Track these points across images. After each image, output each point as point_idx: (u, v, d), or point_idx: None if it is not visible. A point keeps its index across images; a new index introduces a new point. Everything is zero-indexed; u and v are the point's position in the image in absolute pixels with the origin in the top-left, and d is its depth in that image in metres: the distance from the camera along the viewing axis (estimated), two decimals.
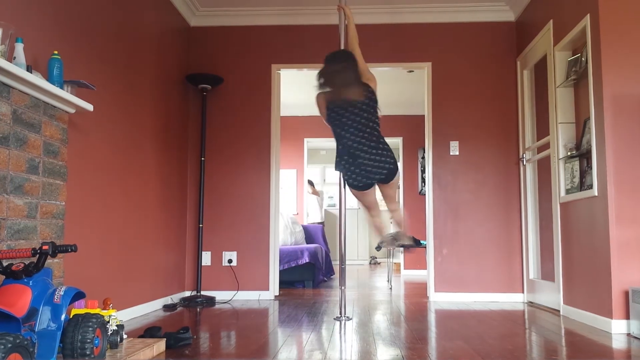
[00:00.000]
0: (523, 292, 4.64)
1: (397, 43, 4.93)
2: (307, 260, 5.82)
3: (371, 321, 3.52)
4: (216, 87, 4.84)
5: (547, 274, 4.31)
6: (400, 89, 7.13)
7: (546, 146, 4.22)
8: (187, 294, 4.72)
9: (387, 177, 3.12)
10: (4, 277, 2.01)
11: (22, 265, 1.99)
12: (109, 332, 2.33)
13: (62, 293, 2.04)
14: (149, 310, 3.95)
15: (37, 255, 2.02)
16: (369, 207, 3.39)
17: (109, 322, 2.40)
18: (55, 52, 2.53)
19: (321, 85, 3.25)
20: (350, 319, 3.60)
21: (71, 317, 2.09)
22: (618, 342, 2.84)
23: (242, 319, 3.67)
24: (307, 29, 4.97)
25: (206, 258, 4.81)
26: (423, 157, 7.97)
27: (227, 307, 4.29)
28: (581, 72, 3.65)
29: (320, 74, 3.26)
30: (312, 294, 5.17)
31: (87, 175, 3.08)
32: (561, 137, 3.88)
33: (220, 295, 4.73)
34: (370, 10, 4.86)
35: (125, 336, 2.53)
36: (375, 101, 3.21)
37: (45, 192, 2.48)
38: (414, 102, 7.59)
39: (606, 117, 3.25)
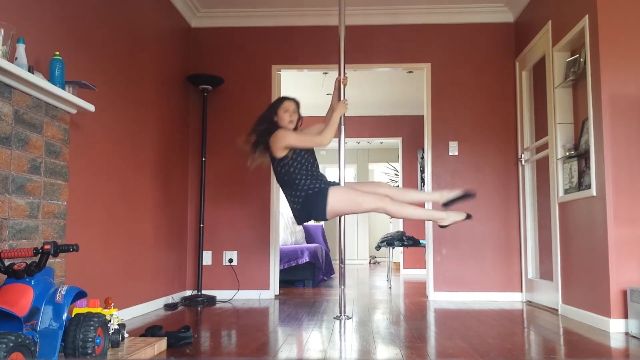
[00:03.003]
0: (522, 292, 4.65)
1: (397, 44, 4.94)
2: (307, 260, 5.83)
3: (371, 320, 3.53)
4: (217, 87, 4.85)
5: (545, 273, 4.33)
6: (399, 89, 7.14)
7: (545, 146, 4.23)
8: (188, 293, 4.74)
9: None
10: (5, 276, 2.02)
11: (24, 264, 2.00)
12: (111, 331, 2.35)
13: (63, 292, 2.05)
14: (150, 309, 3.97)
15: (39, 255, 2.04)
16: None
17: (110, 321, 2.41)
18: (57, 52, 2.55)
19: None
20: (350, 318, 3.61)
21: (73, 316, 2.10)
22: (616, 341, 2.86)
23: (242, 318, 3.69)
24: (307, 30, 4.98)
25: (207, 257, 4.83)
26: (422, 157, 7.98)
27: (228, 306, 4.30)
28: (580, 73, 3.66)
29: None
30: (312, 293, 5.19)
31: (89, 175, 3.10)
32: (560, 138, 3.89)
33: (220, 295, 4.75)
34: (370, 11, 4.87)
35: (126, 335, 2.55)
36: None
37: (47, 192, 2.50)
38: (414, 102, 7.60)
39: (604, 117, 3.26)
